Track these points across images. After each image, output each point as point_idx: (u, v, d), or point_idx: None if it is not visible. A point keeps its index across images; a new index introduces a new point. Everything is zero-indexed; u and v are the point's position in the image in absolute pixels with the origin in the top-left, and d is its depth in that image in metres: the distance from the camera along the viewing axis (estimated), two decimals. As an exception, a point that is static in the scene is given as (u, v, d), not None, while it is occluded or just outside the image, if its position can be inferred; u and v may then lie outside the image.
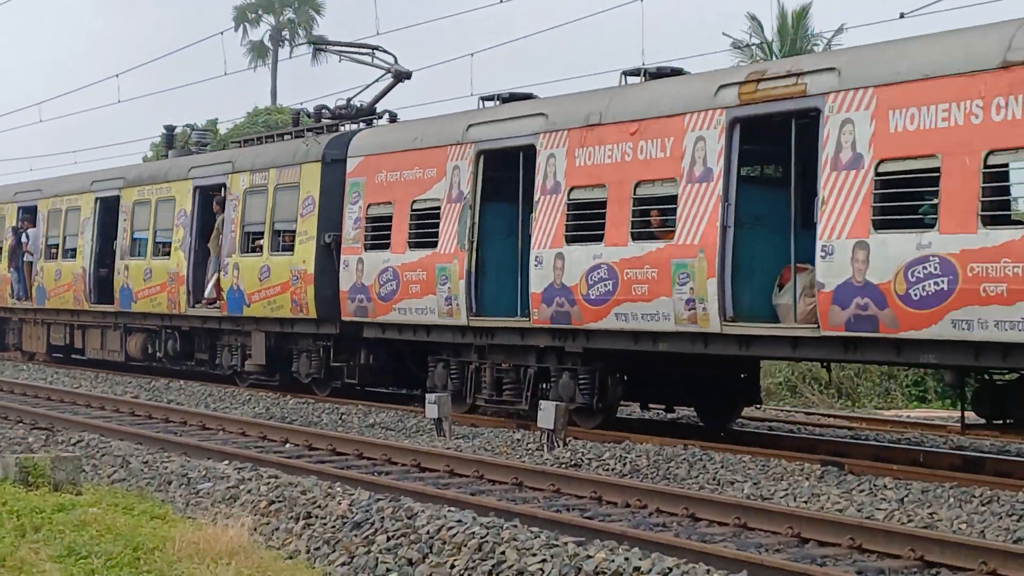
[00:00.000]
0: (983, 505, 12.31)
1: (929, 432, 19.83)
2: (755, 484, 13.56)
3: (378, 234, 21.76)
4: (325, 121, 25.06)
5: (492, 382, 20.03)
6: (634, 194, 17.33)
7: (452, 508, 11.24)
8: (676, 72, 18.65)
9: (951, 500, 12.57)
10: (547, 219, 18.52)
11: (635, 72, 18.82)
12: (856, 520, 11.21)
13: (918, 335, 14.11)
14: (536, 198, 18.76)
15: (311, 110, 26.14)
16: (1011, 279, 13.13)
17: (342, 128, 24.40)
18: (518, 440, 17.16)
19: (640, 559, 8.87)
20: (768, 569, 9.25)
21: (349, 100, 25.25)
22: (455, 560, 9.63)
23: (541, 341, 18.96)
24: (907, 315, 14.10)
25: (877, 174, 14.56)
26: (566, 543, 9.54)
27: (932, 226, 13.94)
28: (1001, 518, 11.67)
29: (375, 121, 24.57)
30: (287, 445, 17.09)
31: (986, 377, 15.08)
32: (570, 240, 18.14)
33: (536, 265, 18.57)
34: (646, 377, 19.42)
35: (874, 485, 13.34)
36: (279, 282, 23.61)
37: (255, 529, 10.95)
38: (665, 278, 16.75)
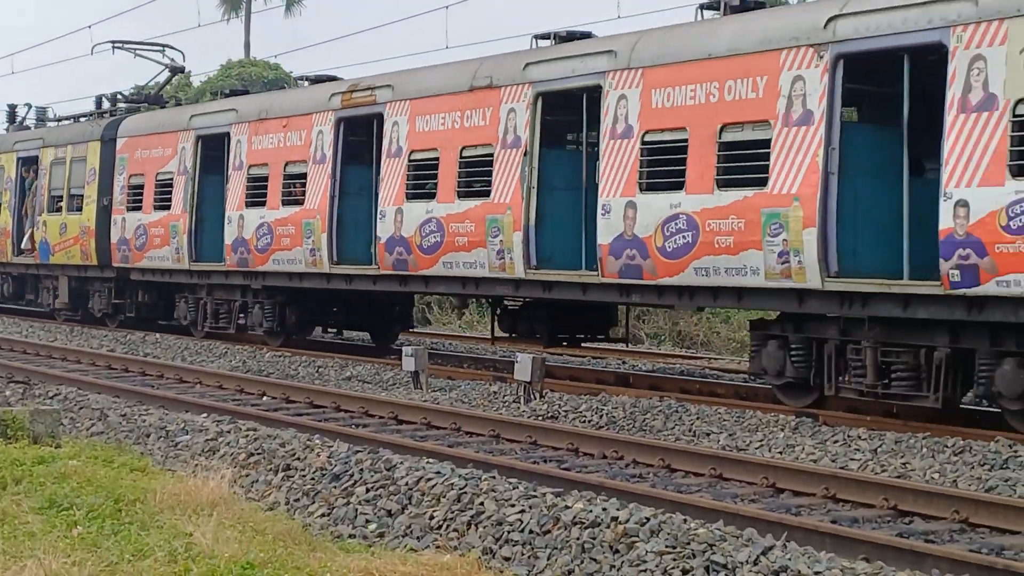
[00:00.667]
0: (955, 455, 12.46)
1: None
2: (731, 435, 13.68)
3: (135, 198, 27.45)
4: (121, 105, 31.58)
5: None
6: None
7: (430, 460, 11.31)
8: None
9: (924, 450, 12.70)
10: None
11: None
12: (830, 470, 11.34)
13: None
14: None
15: (117, 93, 32.53)
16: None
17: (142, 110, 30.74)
18: (495, 393, 17.24)
19: (617, 509, 8.96)
20: (743, 518, 9.36)
21: (141, 88, 36.13)
22: (434, 511, 9.71)
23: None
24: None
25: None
26: (544, 494, 9.62)
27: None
28: (973, 467, 11.82)
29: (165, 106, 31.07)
30: (264, 398, 17.15)
31: None
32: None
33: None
34: None
35: (848, 436, 13.47)
36: (72, 236, 29.35)
37: (235, 481, 11.00)
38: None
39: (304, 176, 22.59)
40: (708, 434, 13.90)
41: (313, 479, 11.04)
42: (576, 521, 8.85)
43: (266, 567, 7.57)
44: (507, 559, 8.71)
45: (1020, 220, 12.84)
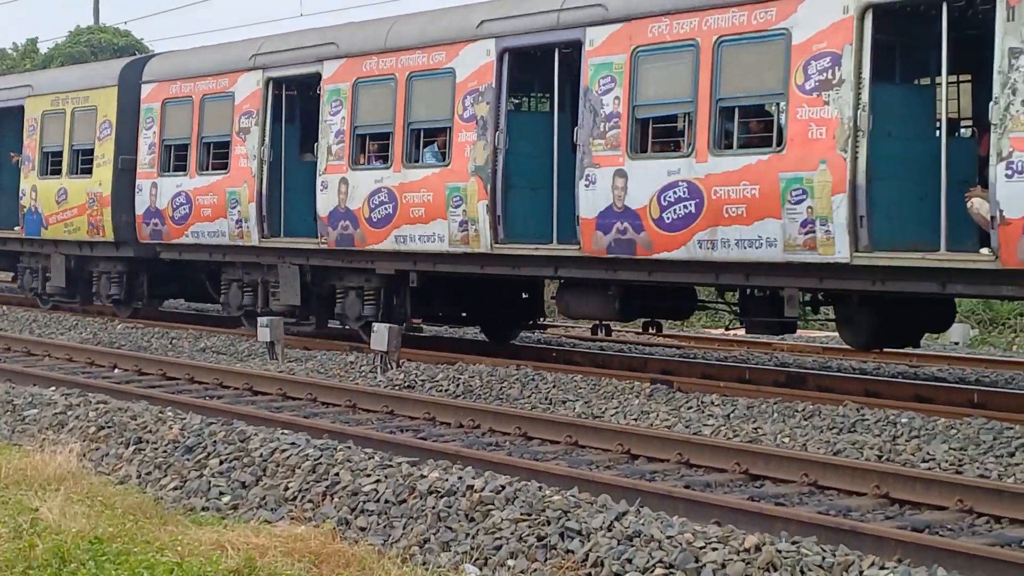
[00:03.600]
0: (805, 419, 12.69)
1: (755, 349, 20.32)
2: (586, 403, 13.77)
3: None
4: None
5: None
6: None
7: (285, 431, 11.20)
8: None
9: (775, 415, 12.92)
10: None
11: None
12: (684, 436, 11.47)
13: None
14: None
15: None
16: None
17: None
18: (351, 363, 17.14)
19: (473, 478, 8.96)
20: (598, 485, 9.42)
21: None
22: (289, 482, 9.61)
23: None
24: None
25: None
26: (400, 463, 9.59)
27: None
28: (822, 431, 12.05)
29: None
30: (116, 370, 16.84)
31: None
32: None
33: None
34: None
35: (702, 402, 13.64)
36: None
37: (84, 455, 10.80)
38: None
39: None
40: (564, 402, 13.97)
41: (165, 452, 10.86)
42: (432, 490, 8.83)
43: (114, 541, 7.44)
44: (363, 529, 8.66)
45: None
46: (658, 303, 17.25)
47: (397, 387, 15.00)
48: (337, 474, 9.53)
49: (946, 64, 13.11)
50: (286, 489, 9.53)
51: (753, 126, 14.50)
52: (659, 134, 15.29)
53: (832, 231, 13.39)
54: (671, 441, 11.21)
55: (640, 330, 20.08)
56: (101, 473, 10.43)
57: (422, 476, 9.16)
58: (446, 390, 14.88)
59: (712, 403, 13.56)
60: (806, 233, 13.58)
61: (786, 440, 11.67)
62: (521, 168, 16.97)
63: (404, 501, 8.85)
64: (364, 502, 9.00)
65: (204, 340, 20.23)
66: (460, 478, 8.97)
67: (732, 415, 12.99)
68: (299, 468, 9.77)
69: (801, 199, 13.61)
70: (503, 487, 8.74)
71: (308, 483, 9.53)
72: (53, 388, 14.17)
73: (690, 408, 13.42)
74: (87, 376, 16.11)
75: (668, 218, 14.79)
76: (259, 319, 18.22)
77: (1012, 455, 10.91)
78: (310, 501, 9.26)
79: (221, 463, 10.28)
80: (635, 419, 12.90)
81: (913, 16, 13.71)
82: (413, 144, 17.88)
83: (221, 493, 9.73)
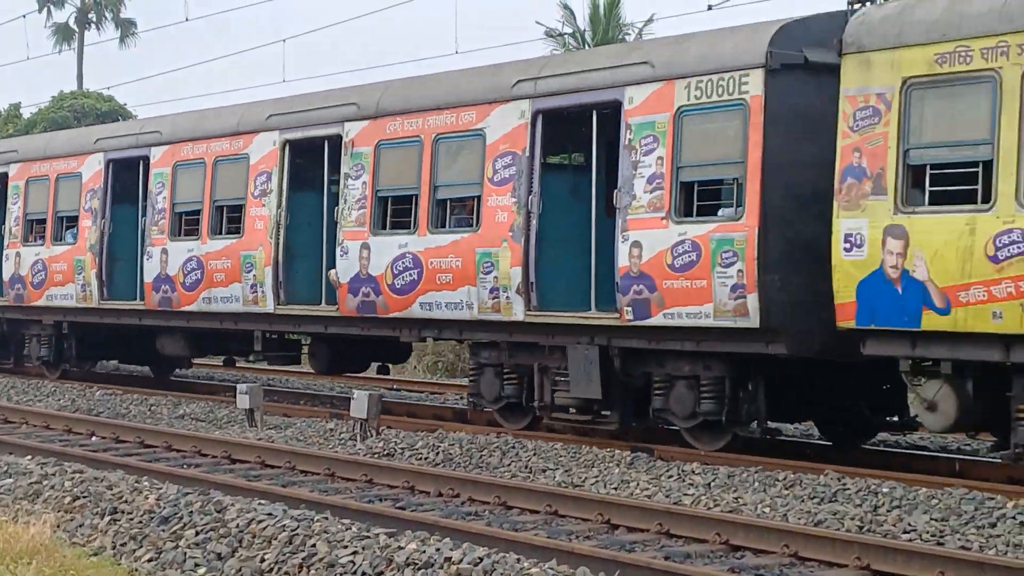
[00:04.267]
0: (786, 488, 12.62)
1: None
2: (567, 471, 13.70)
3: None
4: None
5: None
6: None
7: (263, 500, 11.12)
8: None
9: (756, 484, 12.85)
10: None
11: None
12: (664, 506, 11.40)
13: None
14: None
15: None
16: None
17: None
18: (331, 430, 17.05)
19: (451, 549, 8.89)
20: (577, 556, 9.34)
21: None
22: (265, 554, 9.53)
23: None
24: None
25: None
26: (377, 534, 9.51)
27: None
28: (803, 501, 11.98)
29: None
30: (93, 438, 16.72)
31: None
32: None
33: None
34: None
35: (682, 470, 13.57)
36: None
37: (58, 526, 10.69)
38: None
39: None
40: (544, 470, 13.89)
41: (141, 522, 10.75)
42: (409, 562, 8.76)
43: (87, 617, 7.34)
44: (339, 602, 8.58)
45: None
46: None
47: (376, 455, 14.90)
48: (314, 545, 9.45)
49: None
50: (262, 561, 9.44)
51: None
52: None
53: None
54: (651, 511, 11.14)
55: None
56: (76, 544, 10.32)
57: (399, 548, 9.08)
58: (426, 458, 14.79)
59: (693, 471, 13.49)
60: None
61: (767, 510, 11.61)
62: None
63: (381, 573, 8.78)
64: (341, 574, 8.92)
65: (183, 407, 20.10)
66: (438, 550, 8.90)
67: (713, 484, 12.92)
68: (275, 539, 9.69)
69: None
70: (481, 559, 8.67)
71: (284, 554, 9.44)
72: (29, 457, 14.05)
73: (671, 477, 13.35)
74: (64, 444, 15.98)
75: None
76: (239, 385, 18.11)
77: (993, 526, 10.85)
78: (286, 573, 9.18)
79: (197, 534, 10.18)
80: (615, 488, 12.82)
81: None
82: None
83: (196, 565, 9.64)
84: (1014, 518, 11.05)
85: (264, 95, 28.02)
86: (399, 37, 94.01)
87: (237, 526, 10.10)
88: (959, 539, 10.39)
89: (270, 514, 10.23)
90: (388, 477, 13.30)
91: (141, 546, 10.25)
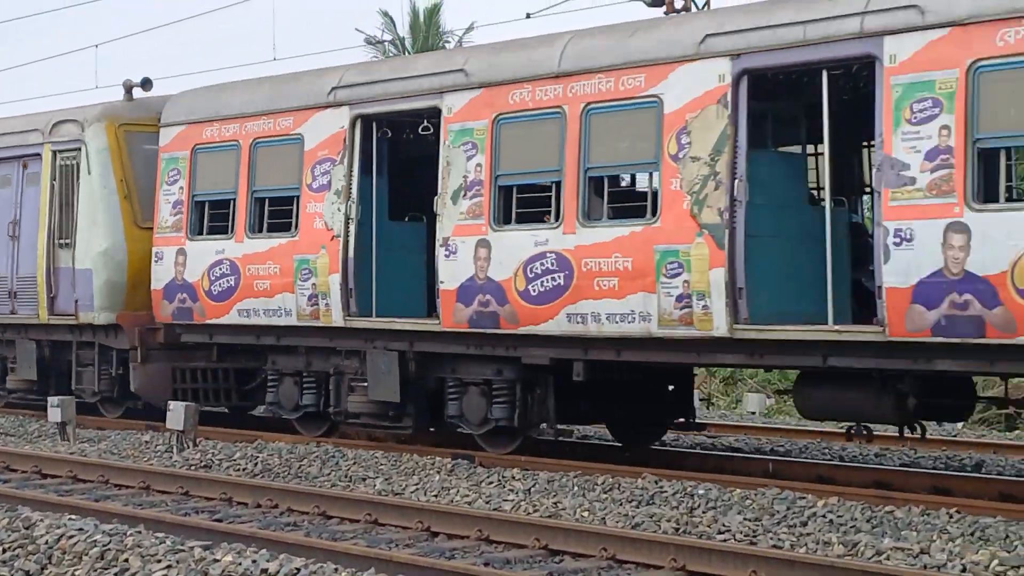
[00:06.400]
0: (605, 492, 12.75)
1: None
2: (387, 480, 13.63)
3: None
4: None
5: None
6: None
7: (73, 516, 10.84)
8: None
9: (575, 488, 12.95)
10: None
11: None
12: (484, 512, 11.41)
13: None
14: None
15: None
16: None
17: None
18: (147, 442, 16.71)
19: (268, 560, 8.77)
20: (396, 564, 9.30)
21: None
22: (76, 570, 9.28)
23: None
24: None
25: None
26: (192, 547, 9.34)
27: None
28: (621, 504, 12.11)
29: None
30: None
31: None
32: None
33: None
34: None
35: (503, 476, 13.61)
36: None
37: None
38: None
39: None
40: (364, 479, 13.81)
41: (-56, 542, 10.38)
42: (225, 574, 8.61)
43: None
44: (152, 618, 8.40)
45: None
46: None
47: (193, 467, 14.65)
48: (126, 560, 9.24)
49: None
50: (72, 577, 9.20)
51: None
52: None
53: None
54: (471, 517, 11.13)
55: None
56: None
57: (215, 560, 8.93)
58: (244, 469, 14.59)
59: (513, 477, 13.54)
60: None
61: (585, 514, 11.69)
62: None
63: (196, 587, 8.61)
64: (154, 589, 8.73)
65: (-8, 421, 19.53)
66: (254, 561, 8.78)
67: (533, 489, 12.99)
68: (86, 555, 9.45)
69: None
70: (299, 570, 8.58)
71: (96, 570, 9.22)
72: None
73: (491, 483, 13.38)
74: None
75: None
76: (50, 399, 17.65)
77: (804, 524, 11.10)
78: (97, 589, 8.95)
79: (4, 551, 9.87)
80: (436, 495, 12.80)
81: None
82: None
83: (3, 583, 9.35)
84: (824, 516, 11.34)
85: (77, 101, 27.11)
86: (216, 42, 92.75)
87: (46, 542, 9.82)
88: (771, 538, 10.59)
89: (81, 529, 9.97)
90: (205, 489, 13.08)
91: (-56, 566, 9.92)
